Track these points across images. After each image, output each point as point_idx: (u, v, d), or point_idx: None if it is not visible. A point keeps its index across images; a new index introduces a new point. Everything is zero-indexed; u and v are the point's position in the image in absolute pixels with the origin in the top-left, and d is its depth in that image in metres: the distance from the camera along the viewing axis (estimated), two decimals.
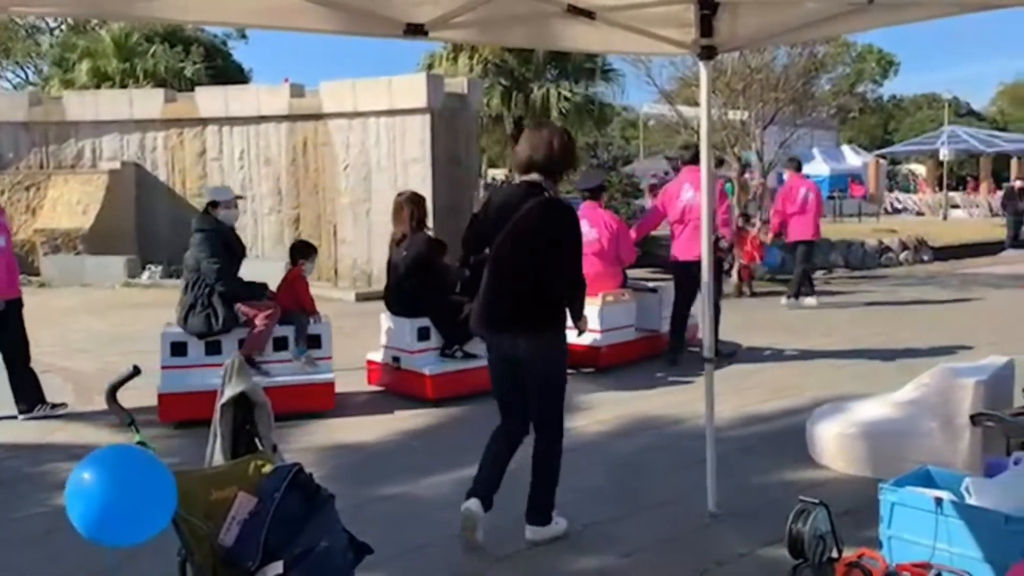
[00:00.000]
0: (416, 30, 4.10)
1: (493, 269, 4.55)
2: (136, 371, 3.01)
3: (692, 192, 8.61)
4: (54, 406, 7.31)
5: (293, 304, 7.47)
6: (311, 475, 3.06)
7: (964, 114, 61.51)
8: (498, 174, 47.86)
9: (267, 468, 3.11)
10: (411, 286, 7.60)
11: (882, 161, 38.71)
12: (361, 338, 9.57)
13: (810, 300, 12.72)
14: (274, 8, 3.87)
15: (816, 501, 4.17)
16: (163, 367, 7.02)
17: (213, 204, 7.69)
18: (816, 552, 4.10)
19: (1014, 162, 37.51)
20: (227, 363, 3.38)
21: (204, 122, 17.30)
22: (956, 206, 33.52)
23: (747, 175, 16.93)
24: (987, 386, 5.27)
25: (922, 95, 67.18)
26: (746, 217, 15.10)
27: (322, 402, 7.14)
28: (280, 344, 7.27)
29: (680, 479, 5.53)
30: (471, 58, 25.08)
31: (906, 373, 6.28)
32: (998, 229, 24.06)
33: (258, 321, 7.05)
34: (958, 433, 5.24)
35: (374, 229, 15.75)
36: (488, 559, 4.46)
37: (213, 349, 7.01)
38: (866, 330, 10.74)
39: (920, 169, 43.22)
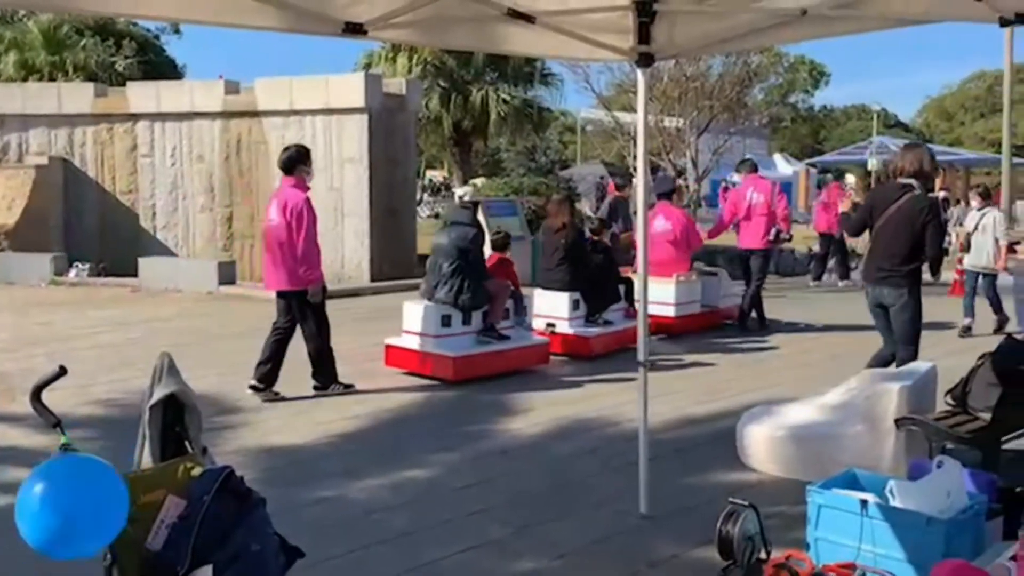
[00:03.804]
0: (355, 29, 4.06)
1: (876, 243, 6.58)
2: (62, 371, 2.92)
3: (755, 194, 11.19)
4: None
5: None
6: (242, 478, 3.01)
7: (892, 125, 63.21)
8: (436, 176, 47.80)
9: (197, 471, 3.05)
10: (567, 267, 9.51)
11: (812, 170, 39.52)
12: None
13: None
14: (210, 3, 3.80)
15: (745, 503, 4.24)
16: (436, 336, 8.26)
17: (475, 203, 8.88)
18: (745, 553, 4.17)
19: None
20: (156, 364, 3.31)
21: (135, 118, 16.96)
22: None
23: (680, 181, 17.14)
24: (911, 391, 5.42)
25: (852, 106, 68.90)
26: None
27: (540, 359, 8.83)
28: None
29: (613, 481, 5.57)
30: (410, 59, 25.03)
31: (835, 377, 6.41)
32: None
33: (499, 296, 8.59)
34: (883, 436, 5.38)
35: None
36: (421, 562, 4.44)
37: (468, 319, 8.45)
38: (797, 335, 10.95)
39: (849, 178, 44.24)
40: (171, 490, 2.95)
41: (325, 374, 7.77)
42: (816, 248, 17.73)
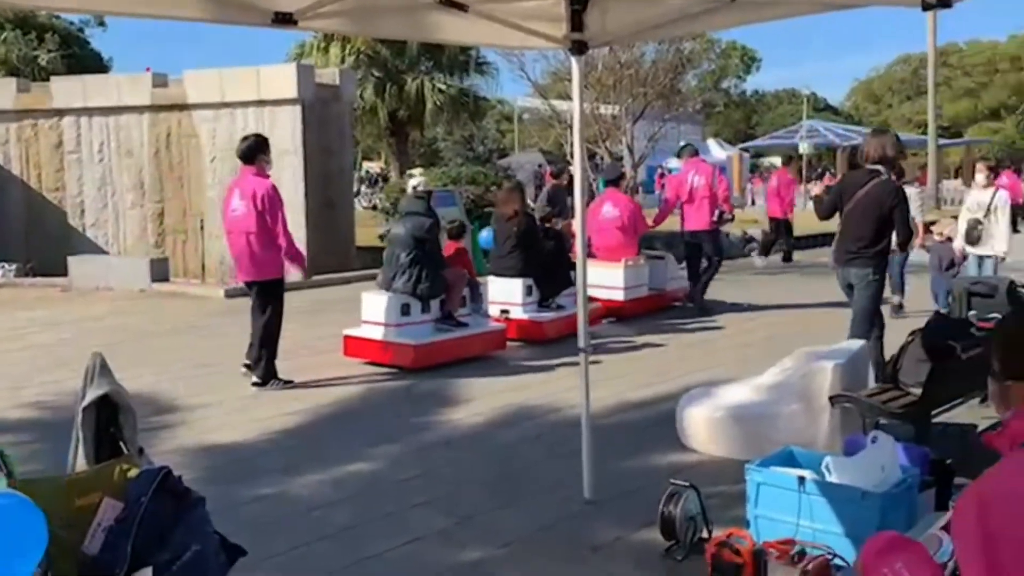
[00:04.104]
0: (285, 19, 4.00)
1: (845, 226, 6.92)
2: None
3: (697, 177, 11.40)
4: None
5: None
6: (180, 477, 2.97)
7: (822, 109, 64.32)
8: (373, 167, 47.41)
9: (133, 472, 3.00)
10: (520, 253, 9.67)
11: (745, 154, 40.07)
12: (230, 336, 9.32)
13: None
14: None
15: (687, 484, 4.30)
16: (396, 325, 8.33)
17: (428, 192, 9.13)
18: (687, 533, 4.24)
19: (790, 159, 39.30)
20: (88, 364, 3.23)
21: (60, 113, 16.51)
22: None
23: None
24: (844, 369, 5.54)
25: (782, 90, 70.00)
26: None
27: (498, 344, 8.96)
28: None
29: (557, 467, 5.61)
30: (343, 49, 24.75)
31: (771, 357, 6.52)
32: None
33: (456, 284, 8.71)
34: (818, 414, 5.50)
35: None
36: (365, 556, 4.42)
37: (426, 308, 8.56)
38: (734, 316, 11.12)
39: (778, 162, 44.97)
40: (107, 492, 2.90)
41: (266, 368, 7.71)
42: (749, 231, 18.14)
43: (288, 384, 7.75)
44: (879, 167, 6.88)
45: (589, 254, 10.66)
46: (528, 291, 9.74)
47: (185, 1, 3.71)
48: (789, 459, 4.34)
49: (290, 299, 12.83)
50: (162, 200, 16.20)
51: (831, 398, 5.43)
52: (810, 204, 10.42)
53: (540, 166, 27.52)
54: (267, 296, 7.72)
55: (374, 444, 6.22)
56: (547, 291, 9.86)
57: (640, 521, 4.61)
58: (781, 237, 17.00)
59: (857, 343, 6.14)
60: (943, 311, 9.65)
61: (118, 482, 2.96)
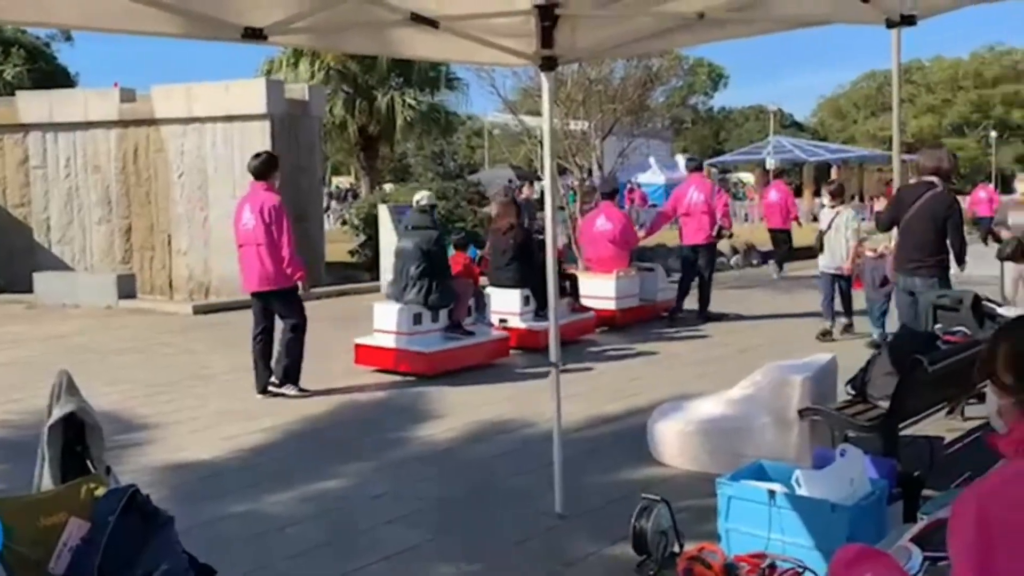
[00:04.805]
0: (254, 34, 3.99)
1: (904, 237, 7.40)
2: None
3: (696, 193, 11.70)
4: None
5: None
6: (148, 496, 2.94)
7: (788, 125, 65.12)
8: (343, 182, 47.26)
9: (100, 491, 2.96)
10: (517, 265, 9.98)
11: (713, 170, 40.40)
12: (199, 353, 9.26)
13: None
14: (104, 10, 3.69)
15: (658, 498, 4.31)
16: (409, 334, 8.63)
17: (432, 206, 9.28)
18: (659, 548, 4.24)
19: (834, 170, 39.91)
20: (54, 382, 3.19)
21: (26, 128, 16.33)
22: None
23: (588, 184, 17.32)
24: (813, 382, 5.59)
25: (749, 107, 70.79)
26: None
27: (501, 352, 9.31)
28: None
29: (528, 483, 5.60)
30: (312, 64, 24.70)
31: (741, 371, 6.56)
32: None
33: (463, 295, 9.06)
34: (788, 427, 5.53)
35: (212, 238, 15.25)
36: (338, 574, 4.38)
37: (435, 318, 8.88)
38: (704, 330, 11.17)
39: (749, 177, 45.40)
40: (74, 512, 2.86)
41: (292, 373, 7.94)
42: (734, 245, 18.57)
43: (304, 393, 7.93)
44: (934, 179, 7.32)
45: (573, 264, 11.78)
46: (526, 301, 10.10)
47: (154, 16, 3.68)
48: (759, 472, 4.36)
49: None
50: (129, 216, 16.05)
51: (800, 411, 5.47)
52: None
53: (510, 181, 27.55)
54: (287, 305, 7.92)
55: (346, 461, 6.18)
56: (544, 301, 10.00)
57: (612, 536, 4.61)
58: (781, 247, 17.46)
59: (825, 356, 6.20)
60: (876, 333, 9.65)
61: (85, 501, 2.93)
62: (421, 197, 9.38)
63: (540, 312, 10.10)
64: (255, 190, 7.94)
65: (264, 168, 7.93)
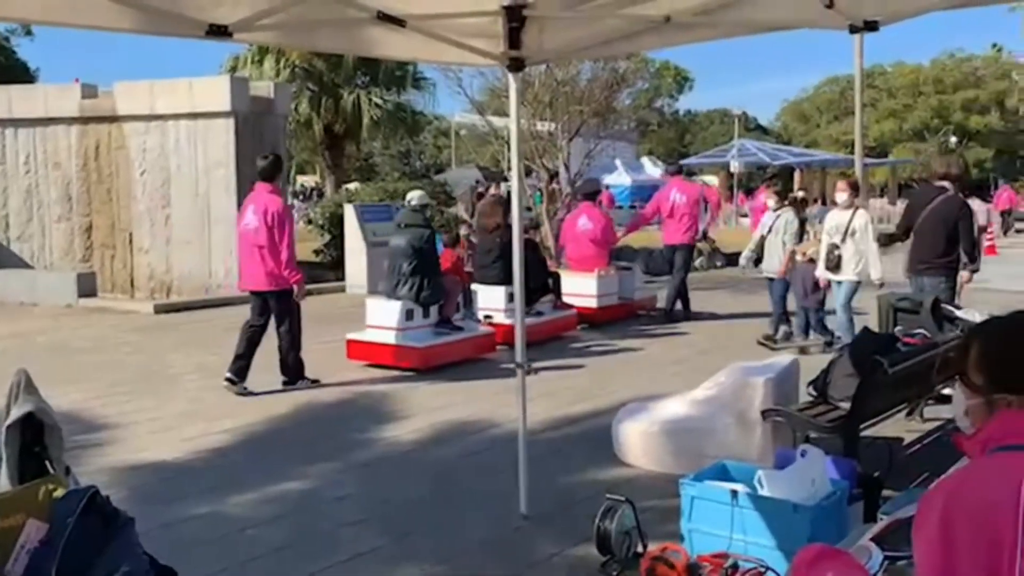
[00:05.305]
0: (219, 31, 3.95)
1: (915, 239, 7.76)
2: None
3: (679, 195, 11.99)
4: None
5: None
6: (108, 497, 2.90)
7: (753, 128, 65.64)
8: (308, 181, 46.96)
9: (59, 492, 2.92)
10: (503, 263, 9.82)
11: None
12: (160, 353, 9.13)
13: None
14: (65, 4, 3.64)
15: (622, 498, 4.33)
16: (402, 329, 8.84)
17: (424, 206, 9.47)
18: (623, 548, 4.26)
19: (797, 174, 40.33)
20: (12, 381, 3.14)
21: None
22: (745, 215, 35.68)
23: (555, 185, 17.36)
24: (775, 383, 5.64)
25: (714, 110, 71.31)
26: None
27: (489, 347, 9.51)
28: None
29: (493, 483, 5.60)
30: (278, 62, 24.52)
31: (704, 372, 6.61)
32: None
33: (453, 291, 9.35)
34: (751, 428, 5.58)
35: (175, 237, 15.09)
36: (301, 574, 4.36)
37: (426, 314, 9.11)
38: (669, 331, 11.24)
39: (713, 180, 45.76)
40: (32, 514, 2.81)
41: (295, 370, 8.16)
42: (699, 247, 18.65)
43: (315, 383, 8.21)
44: (945, 183, 7.75)
45: (558, 262, 12.25)
46: (510, 298, 10.03)
47: (117, 12, 3.64)
48: (723, 473, 4.40)
49: (223, 314, 12.69)
50: (90, 213, 15.83)
51: (763, 412, 5.52)
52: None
53: (477, 181, 27.54)
54: (283, 304, 8.07)
55: (310, 461, 6.14)
56: (527, 298, 10.14)
57: (576, 536, 4.62)
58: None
59: (787, 358, 6.26)
60: (802, 339, 9.69)
61: (43, 503, 2.88)
62: (413, 196, 9.59)
63: (525, 309, 10.27)
64: (260, 191, 8.11)
65: (270, 170, 8.18)
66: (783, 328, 10.31)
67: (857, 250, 8.74)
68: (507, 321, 10.04)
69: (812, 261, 9.43)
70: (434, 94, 28.87)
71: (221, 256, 14.92)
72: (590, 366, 9.32)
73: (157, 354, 9.87)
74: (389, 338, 8.90)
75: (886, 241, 9.05)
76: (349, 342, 9.18)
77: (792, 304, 10.28)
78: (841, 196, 9.17)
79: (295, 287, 8.00)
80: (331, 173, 28.48)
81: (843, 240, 8.79)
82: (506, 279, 10.12)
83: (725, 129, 60.35)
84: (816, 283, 9.41)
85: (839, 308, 9.00)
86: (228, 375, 7.96)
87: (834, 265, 8.86)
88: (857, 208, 9.04)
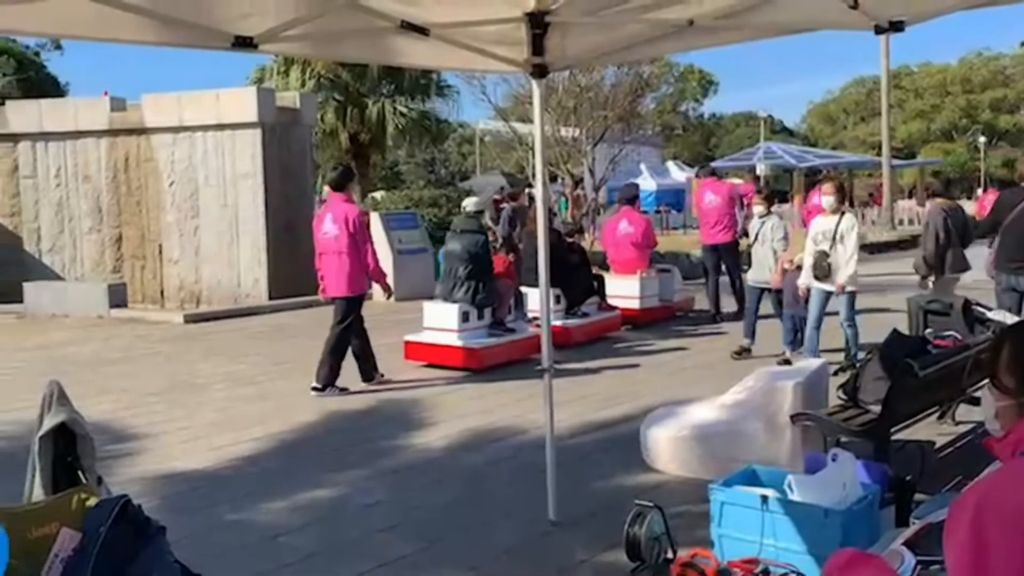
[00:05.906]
0: (245, 43, 3.99)
1: (1005, 238, 7.97)
2: None
3: (712, 196, 12.32)
4: None
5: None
6: (140, 506, 2.92)
7: (778, 131, 65.30)
8: None
9: (92, 501, 2.94)
10: (552, 267, 9.79)
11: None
12: (190, 362, 9.20)
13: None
14: (94, 19, 3.68)
15: (651, 504, 4.31)
16: (459, 331, 9.24)
17: (479, 212, 10.03)
18: (652, 554, 4.24)
19: (823, 176, 40.05)
20: (45, 392, 3.18)
21: (16, 138, 16.30)
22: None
23: (579, 191, 17.40)
24: (804, 387, 5.59)
25: (740, 113, 70.98)
26: (580, 230, 15.48)
27: (537, 348, 9.02)
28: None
29: (522, 490, 5.59)
30: (303, 72, 24.66)
31: (733, 376, 6.57)
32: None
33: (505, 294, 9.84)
34: (780, 432, 5.53)
35: (203, 247, 15.23)
36: None
37: (481, 316, 9.52)
38: (697, 336, 11.19)
39: (738, 181, 45.44)
40: (65, 523, 2.84)
41: (329, 375, 8.30)
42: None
43: (343, 391, 8.28)
44: None
45: (604, 266, 12.57)
46: (556, 300, 10.49)
47: (144, 25, 3.68)
48: (752, 478, 4.37)
49: (251, 323, 12.79)
50: (120, 225, 16.02)
51: (792, 416, 5.48)
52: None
53: (502, 188, 27.58)
54: (350, 308, 8.36)
55: (339, 469, 6.16)
56: (573, 300, 10.92)
57: (605, 542, 4.60)
58: None
59: (817, 362, 6.21)
60: (789, 351, 8.92)
61: (76, 512, 2.91)
62: (469, 203, 10.07)
63: (570, 311, 10.85)
64: (334, 201, 8.45)
65: (341, 180, 8.54)
66: (746, 341, 9.65)
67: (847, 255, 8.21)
68: (555, 323, 10.09)
69: (798, 269, 8.77)
70: (458, 102, 29.06)
71: (249, 266, 15.06)
72: (625, 368, 9.35)
73: (187, 364, 9.95)
74: (447, 339, 9.30)
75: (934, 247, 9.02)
76: (407, 343, 9.58)
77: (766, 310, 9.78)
78: (827, 200, 8.48)
79: (384, 289, 8.55)
80: (357, 182, 28.58)
81: (831, 247, 8.22)
82: (553, 281, 10.22)
83: (751, 132, 60.05)
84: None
85: (845, 324, 8.49)
86: (314, 385, 8.21)
87: (824, 274, 8.25)
88: (844, 212, 8.40)
